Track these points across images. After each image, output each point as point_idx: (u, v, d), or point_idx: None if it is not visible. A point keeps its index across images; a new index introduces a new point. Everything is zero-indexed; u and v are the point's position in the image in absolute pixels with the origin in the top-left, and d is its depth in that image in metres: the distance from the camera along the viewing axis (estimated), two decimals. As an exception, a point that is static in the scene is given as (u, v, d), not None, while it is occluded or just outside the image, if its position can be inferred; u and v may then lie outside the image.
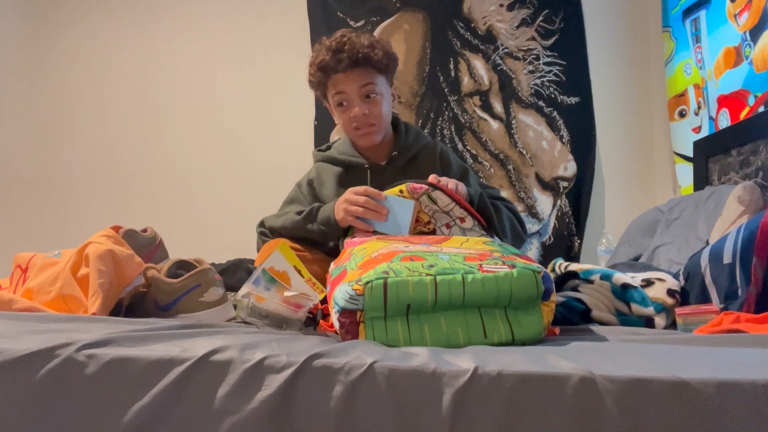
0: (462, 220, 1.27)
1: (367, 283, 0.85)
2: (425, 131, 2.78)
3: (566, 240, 2.75)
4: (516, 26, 2.85)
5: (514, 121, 2.82)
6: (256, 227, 1.60)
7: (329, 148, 1.64)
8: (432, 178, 1.34)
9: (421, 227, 1.30)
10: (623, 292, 1.16)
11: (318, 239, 1.44)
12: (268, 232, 1.55)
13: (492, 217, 1.41)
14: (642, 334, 0.98)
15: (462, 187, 1.36)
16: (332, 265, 1.10)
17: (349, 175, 1.54)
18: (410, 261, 0.91)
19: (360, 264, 0.96)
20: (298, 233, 1.45)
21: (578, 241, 2.74)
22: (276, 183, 2.89)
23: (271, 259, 1.10)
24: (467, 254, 0.97)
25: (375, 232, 1.27)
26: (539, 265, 0.92)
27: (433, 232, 1.29)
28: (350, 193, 1.33)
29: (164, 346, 0.72)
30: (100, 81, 3.13)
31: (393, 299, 0.84)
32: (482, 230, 1.28)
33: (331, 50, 1.46)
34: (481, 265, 0.90)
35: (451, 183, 1.35)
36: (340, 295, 0.87)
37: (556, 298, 0.95)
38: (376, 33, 2.89)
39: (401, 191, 1.28)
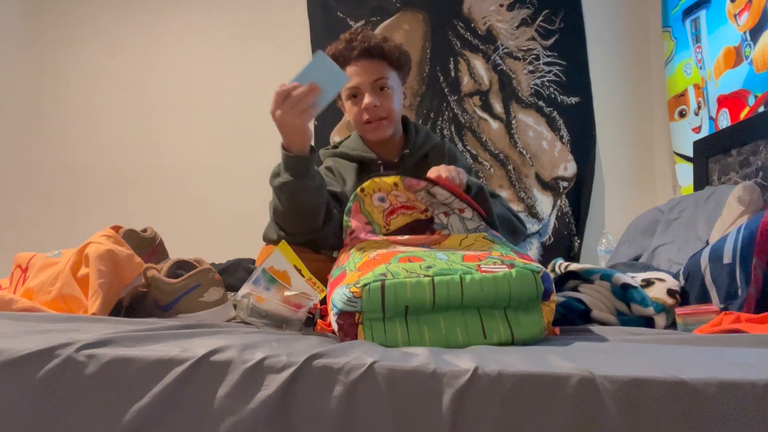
0: (462, 210, 1.25)
1: (365, 285, 0.85)
2: (425, 131, 2.78)
3: (566, 240, 2.75)
4: (516, 26, 2.85)
5: (514, 121, 2.82)
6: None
7: (336, 147, 1.63)
8: (432, 172, 1.28)
9: (418, 214, 1.26)
10: (623, 292, 1.16)
11: (293, 192, 1.24)
12: (279, 234, 1.35)
13: (489, 210, 1.38)
14: (642, 334, 0.98)
15: (463, 175, 1.30)
16: (333, 266, 1.10)
17: (363, 170, 1.54)
18: (408, 262, 0.91)
19: (359, 265, 0.96)
20: (281, 198, 1.27)
21: (578, 241, 2.75)
22: (276, 183, 2.89)
23: (271, 259, 1.10)
24: (465, 253, 0.97)
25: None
26: (538, 265, 0.91)
27: (431, 220, 1.25)
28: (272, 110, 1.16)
29: (164, 346, 0.72)
30: (101, 82, 3.13)
31: (391, 301, 0.84)
32: (481, 221, 1.25)
33: (345, 40, 1.48)
34: (479, 265, 0.90)
35: (452, 171, 1.27)
36: (338, 297, 0.87)
37: (556, 298, 0.94)
38: (376, 33, 2.88)
39: (396, 184, 1.21)
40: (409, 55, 1.57)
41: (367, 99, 1.47)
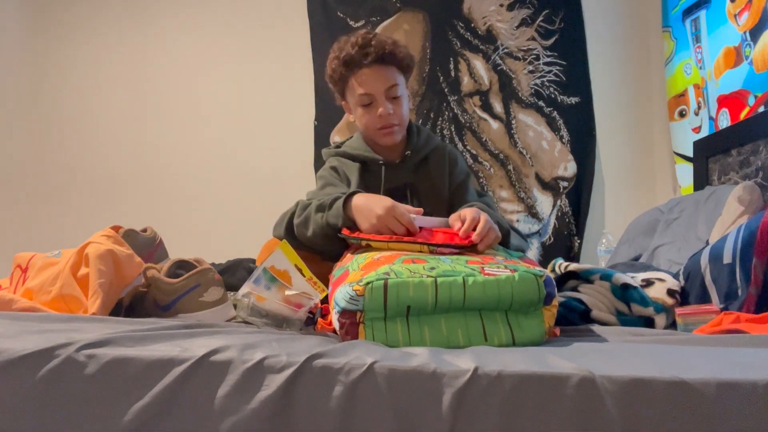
0: None
1: (368, 283, 0.85)
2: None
3: (566, 240, 2.75)
4: (516, 26, 2.85)
5: (514, 121, 2.82)
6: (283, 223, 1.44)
7: (339, 147, 1.64)
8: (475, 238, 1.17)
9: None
10: (623, 292, 1.16)
11: (329, 235, 1.32)
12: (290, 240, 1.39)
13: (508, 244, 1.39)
14: (642, 334, 0.98)
15: (497, 233, 1.22)
16: (335, 267, 1.10)
17: (365, 170, 1.55)
18: (412, 263, 0.91)
19: (362, 265, 0.96)
20: (315, 230, 1.33)
21: (578, 241, 2.74)
22: (277, 183, 2.89)
23: (272, 258, 1.10)
24: (470, 258, 0.97)
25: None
26: (542, 269, 0.91)
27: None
28: (390, 216, 1.20)
29: (164, 346, 0.72)
30: (101, 83, 3.13)
31: (393, 300, 0.84)
32: None
33: (357, 45, 1.47)
34: (483, 267, 0.90)
35: (487, 235, 1.17)
36: (341, 295, 0.87)
37: (557, 301, 0.95)
38: (380, 33, 2.88)
39: (420, 251, 1.14)
40: (414, 59, 1.59)
41: (382, 108, 1.48)
